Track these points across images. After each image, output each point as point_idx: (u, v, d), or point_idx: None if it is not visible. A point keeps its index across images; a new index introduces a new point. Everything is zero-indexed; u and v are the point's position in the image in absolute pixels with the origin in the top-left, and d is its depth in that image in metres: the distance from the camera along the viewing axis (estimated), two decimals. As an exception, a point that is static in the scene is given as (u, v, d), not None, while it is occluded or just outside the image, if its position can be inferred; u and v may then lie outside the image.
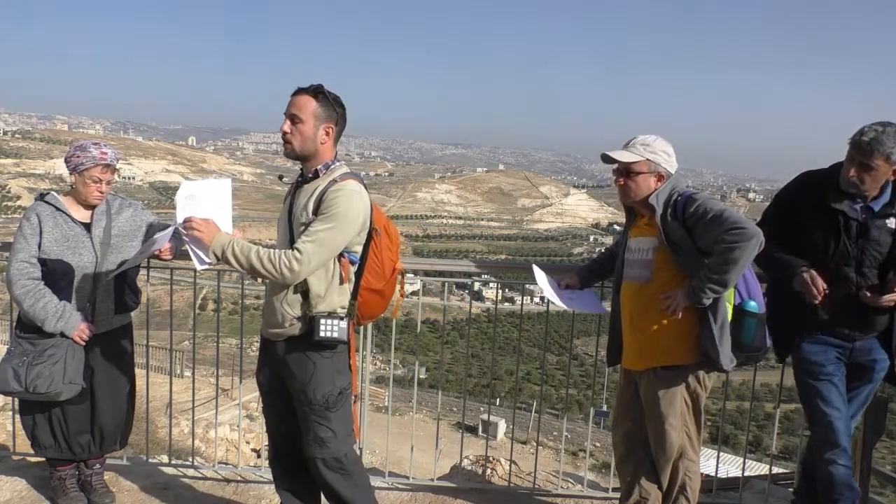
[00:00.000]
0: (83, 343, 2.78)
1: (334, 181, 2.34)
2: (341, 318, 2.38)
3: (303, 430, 2.49)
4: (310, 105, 2.33)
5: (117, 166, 2.87)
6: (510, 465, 3.74)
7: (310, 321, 2.36)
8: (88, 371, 2.83)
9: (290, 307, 2.37)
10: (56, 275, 2.74)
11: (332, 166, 2.40)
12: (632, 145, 2.56)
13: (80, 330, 2.74)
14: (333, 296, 2.38)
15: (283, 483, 2.68)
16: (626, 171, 2.56)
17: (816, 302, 2.58)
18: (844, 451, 2.66)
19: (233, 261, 2.29)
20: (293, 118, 2.33)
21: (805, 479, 3.00)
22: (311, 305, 2.36)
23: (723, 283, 2.35)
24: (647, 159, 2.52)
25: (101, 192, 2.82)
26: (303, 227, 2.31)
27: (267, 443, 2.78)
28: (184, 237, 2.34)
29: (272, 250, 2.30)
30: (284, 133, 2.35)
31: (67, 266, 2.75)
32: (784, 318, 2.70)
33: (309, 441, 2.47)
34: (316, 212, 2.31)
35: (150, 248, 2.78)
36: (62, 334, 2.72)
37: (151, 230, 2.99)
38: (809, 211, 2.67)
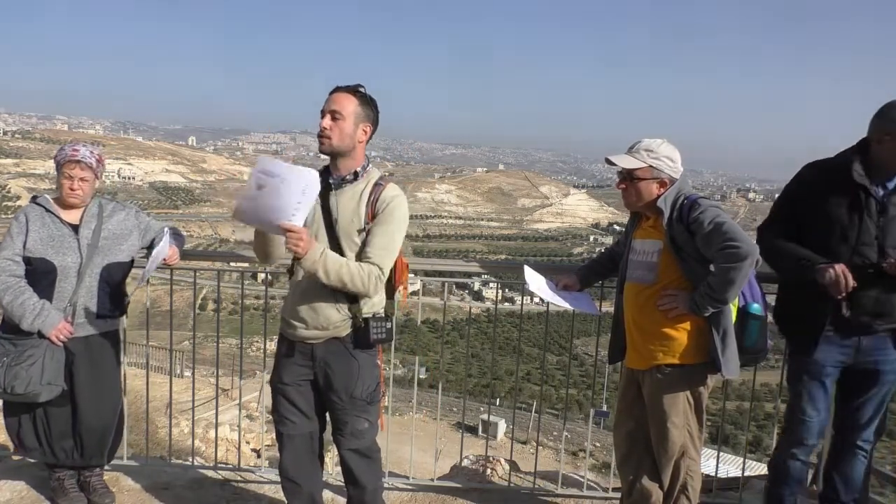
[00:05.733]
0: (60, 344, 2.76)
1: (379, 184, 2.38)
2: (387, 320, 2.45)
3: (338, 425, 2.53)
4: (350, 103, 2.34)
5: (94, 165, 2.80)
6: (510, 465, 3.74)
7: (363, 323, 2.39)
8: (69, 374, 2.81)
9: (340, 310, 2.39)
10: (38, 273, 2.74)
11: (368, 168, 2.43)
12: (636, 150, 2.54)
13: (57, 329, 2.72)
14: (376, 297, 2.43)
15: (297, 484, 2.60)
16: (628, 176, 2.55)
17: (840, 297, 2.48)
18: (809, 449, 2.76)
19: (322, 276, 2.24)
20: (333, 114, 2.33)
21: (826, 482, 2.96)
22: (359, 308, 2.40)
23: (722, 301, 2.38)
24: (650, 166, 2.50)
25: (74, 190, 2.78)
26: (360, 233, 2.34)
27: (267, 443, 2.78)
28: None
29: (356, 266, 2.30)
30: (324, 129, 2.33)
31: (50, 265, 2.74)
32: (797, 316, 2.68)
33: (346, 434, 2.52)
34: (373, 217, 2.34)
35: (155, 262, 2.77)
36: (40, 333, 2.71)
37: (151, 238, 3.01)
38: (828, 195, 2.57)
